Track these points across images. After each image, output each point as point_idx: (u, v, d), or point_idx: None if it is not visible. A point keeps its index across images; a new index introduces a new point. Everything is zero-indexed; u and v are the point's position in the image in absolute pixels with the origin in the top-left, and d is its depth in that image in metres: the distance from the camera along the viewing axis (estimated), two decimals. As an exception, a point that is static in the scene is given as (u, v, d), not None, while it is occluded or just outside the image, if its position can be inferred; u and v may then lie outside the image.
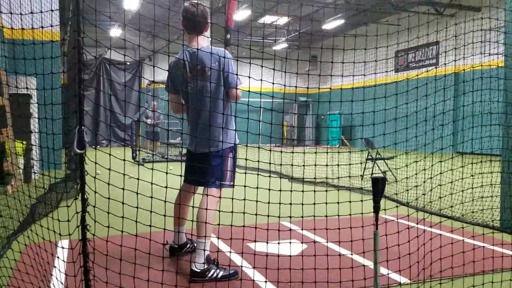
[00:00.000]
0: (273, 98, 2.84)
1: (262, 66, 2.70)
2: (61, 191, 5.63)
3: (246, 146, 2.77)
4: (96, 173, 2.07)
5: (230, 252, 3.61)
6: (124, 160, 2.50)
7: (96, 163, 2.17)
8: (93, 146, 2.29)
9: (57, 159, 7.79)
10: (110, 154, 2.34)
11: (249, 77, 2.90)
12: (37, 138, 7.29)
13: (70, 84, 7.27)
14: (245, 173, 2.48)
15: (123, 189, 2.37)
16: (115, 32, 18.35)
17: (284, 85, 3.08)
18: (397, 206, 3.13)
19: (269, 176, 2.79)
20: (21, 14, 2.63)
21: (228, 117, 3.20)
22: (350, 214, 2.85)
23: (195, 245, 3.25)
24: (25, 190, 4.90)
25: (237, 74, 3.14)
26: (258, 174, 2.54)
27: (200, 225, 3.07)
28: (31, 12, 2.49)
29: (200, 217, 3.08)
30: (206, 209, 3.02)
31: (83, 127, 2.01)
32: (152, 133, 14.77)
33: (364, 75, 2.98)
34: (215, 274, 3.04)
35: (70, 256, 3.43)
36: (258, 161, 2.47)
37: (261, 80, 2.77)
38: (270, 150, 2.92)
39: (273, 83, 2.69)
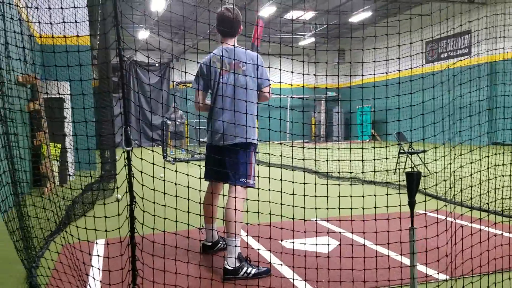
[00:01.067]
0: (303, 94, 2.81)
1: (292, 59, 2.68)
2: (97, 190, 5.77)
3: (280, 143, 2.76)
4: (160, 176, 2.18)
5: (270, 251, 3.61)
6: (175, 159, 2.54)
7: (142, 158, 2.21)
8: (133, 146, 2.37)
9: (91, 161, 7.99)
10: (153, 151, 2.38)
11: (280, 70, 2.89)
12: (72, 140, 7.49)
13: (105, 88, 7.45)
14: (281, 168, 2.47)
15: (163, 192, 2.40)
16: (143, 34, 18.65)
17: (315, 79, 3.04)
18: (425, 201, 3.05)
19: (303, 172, 2.77)
20: (51, 23, 2.71)
21: (254, 117, 3.25)
22: (387, 210, 2.80)
23: (226, 243, 3.27)
24: (60, 191, 5.04)
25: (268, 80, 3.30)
26: (292, 170, 2.53)
27: (229, 224, 3.09)
28: (64, 22, 2.57)
29: (229, 216, 3.11)
30: (235, 209, 3.06)
31: (128, 127, 2.20)
32: (176, 133, 14.89)
33: (383, 70, 2.91)
34: (247, 272, 3.05)
35: (113, 251, 3.51)
36: (292, 157, 2.45)
37: (292, 72, 2.75)
38: (314, 148, 2.90)
39: (302, 74, 2.66)
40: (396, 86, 3.00)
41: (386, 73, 2.98)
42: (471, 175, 3.26)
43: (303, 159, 2.78)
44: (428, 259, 3.06)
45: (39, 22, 2.85)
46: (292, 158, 2.56)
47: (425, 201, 2.92)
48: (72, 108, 2.95)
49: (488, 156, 3.67)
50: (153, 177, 2.45)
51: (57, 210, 3.31)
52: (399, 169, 8.66)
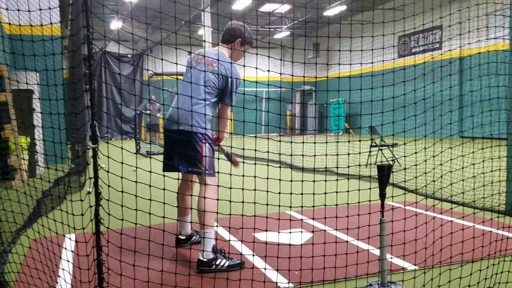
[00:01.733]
0: (281, 88, 2.81)
1: (269, 57, 2.67)
2: (66, 185, 5.65)
3: (255, 136, 2.75)
4: (101, 166, 2.07)
5: (242, 241, 3.62)
6: (136, 153, 2.49)
7: (108, 156, 2.16)
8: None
9: (61, 154, 7.79)
10: (122, 148, 2.33)
11: (256, 68, 2.88)
12: (40, 133, 7.30)
13: (75, 79, 7.27)
14: (255, 164, 2.47)
15: (136, 181, 2.36)
16: (116, 24, 18.28)
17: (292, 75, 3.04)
18: (405, 193, 3.12)
19: (280, 167, 2.78)
20: (29, 11, 2.61)
21: (208, 109, 3.24)
22: (359, 202, 2.83)
23: (200, 236, 3.26)
24: (30, 184, 4.91)
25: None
26: (267, 165, 2.53)
27: (200, 214, 3.10)
28: (40, 9, 2.48)
29: (199, 206, 3.12)
30: (204, 197, 3.04)
31: (95, 122, 2.06)
32: (151, 125, 14.71)
33: (360, 63, 2.94)
34: (221, 264, 3.05)
35: (80, 250, 3.45)
36: (268, 151, 2.45)
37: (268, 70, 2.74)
38: (279, 141, 2.91)
39: (280, 73, 2.66)
40: (370, 79, 3.04)
41: (349, 65, 3.00)
42: (440, 164, 3.34)
43: (279, 154, 2.79)
44: (399, 250, 3.13)
45: (7, 9, 2.75)
46: (268, 152, 2.56)
47: (393, 194, 2.97)
48: (41, 99, 2.86)
49: (465, 150, 3.77)
50: (120, 178, 2.40)
51: (28, 203, 3.23)
52: (370, 164, 8.80)
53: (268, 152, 2.45)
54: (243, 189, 2.53)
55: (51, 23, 2.78)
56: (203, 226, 3.08)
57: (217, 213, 2.91)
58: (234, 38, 3.44)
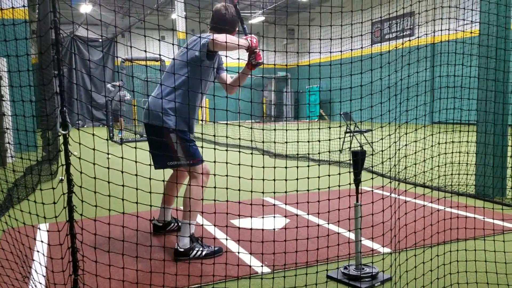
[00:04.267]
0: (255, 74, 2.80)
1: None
2: (38, 173, 5.52)
3: (226, 124, 2.74)
4: (73, 154, 2.03)
5: (214, 225, 3.62)
6: (109, 139, 2.45)
7: (80, 143, 2.12)
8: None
9: (31, 142, 7.61)
10: (93, 134, 2.29)
11: (226, 56, 2.86)
12: (10, 120, 7.08)
13: (43, 65, 7.06)
14: (226, 150, 2.46)
15: (108, 168, 2.33)
16: (86, 8, 17.78)
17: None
18: (372, 178, 3.18)
19: (251, 153, 2.79)
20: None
21: (179, 103, 3.08)
22: (334, 187, 2.87)
23: (180, 224, 3.25)
24: (1, 174, 4.78)
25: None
26: (239, 151, 2.53)
27: (183, 203, 3.07)
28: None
29: (184, 194, 3.10)
30: (189, 185, 3.05)
31: (65, 108, 2.03)
32: (114, 111, 14.33)
33: (340, 51, 2.97)
34: (198, 253, 3.05)
35: (52, 239, 3.39)
36: (240, 138, 2.45)
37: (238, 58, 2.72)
38: (251, 128, 2.90)
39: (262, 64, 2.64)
40: (343, 66, 3.06)
41: (330, 52, 3.02)
42: (415, 153, 3.42)
43: (251, 140, 2.79)
44: (373, 234, 3.20)
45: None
46: (246, 139, 2.56)
47: (372, 178, 3.03)
48: (11, 86, 2.76)
49: (436, 136, 3.86)
50: (94, 165, 2.36)
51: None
52: (348, 148, 8.91)
53: (240, 139, 2.44)
54: (214, 175, 2.53)
55: (24, 6, 2.68)
56: (185, 214, 3.07)
57: (202, 199, 2.87)
58: (227, 29, 3.23)
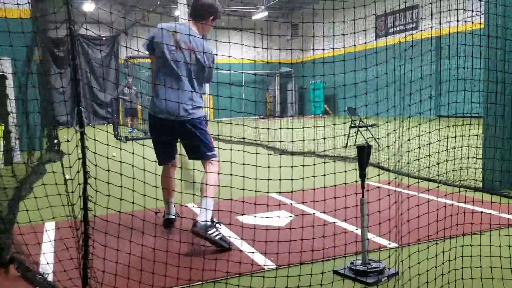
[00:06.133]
0: (261, 70, 2.78)
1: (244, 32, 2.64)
2: (43, 171, 5.55)
3: (231, 123, 2.73)
4: (112, 155, 2.12)
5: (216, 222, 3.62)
6: (127, 138, 2.45)
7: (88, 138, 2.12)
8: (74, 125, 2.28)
9: (37, 141, 7.63)
10: (107, 132, 2.30)
11: (229, 56, 2.85)
12: (15, 119, 7.10)
13: (46, 64, 7.08)
14: (231, 149, 2.45)
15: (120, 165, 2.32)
16: (89, 7, 17.79)
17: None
18: (379, 174, 3.16)
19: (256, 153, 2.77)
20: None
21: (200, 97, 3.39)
22: (338, 184, 2.86)
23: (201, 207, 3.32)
24: (7, 172, 4.81)
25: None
26: (243, 151, 2.52)
27: (202, 187, 3.14)
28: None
29: (203, 180, 3.19)
30: (206, 172, 3.23)
31: (81, 108, 2.15)
32: (130, 109, 14.54)
33: (344, 46, 2.94)
34: (215, 233, 3.05)
35: (60, 236, 3.40)
36: (244, 137, 2.44)
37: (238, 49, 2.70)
38: (256, 128, 2.89)
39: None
40: (349, 61, 3.03)
41: (333, 49, 3.00)
42: (419, 147, 3.39)
43: (253, 140, 2.77)
44: (379, 229, 3.18)
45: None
46: (246, 138, 2.55)
47: (378, 174, 3.01)
48: (21, 87, 2.76)
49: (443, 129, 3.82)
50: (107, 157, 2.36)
51: (7, 190, 3.16)
52: (353, 144, 8.88)
53: (244, 138, 2.43)
54: (218, 173, 2.52)
55: (29, 2, 2.67)
56: (205, 198, 3.11)
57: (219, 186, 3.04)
58: (207, 15, 3.39)
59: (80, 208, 2.13)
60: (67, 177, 2.12)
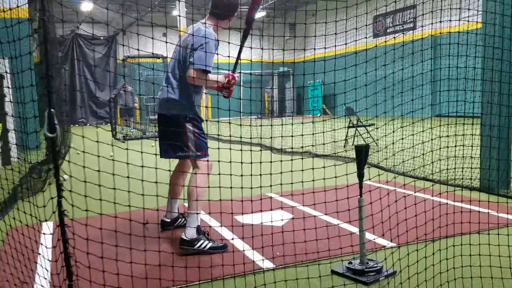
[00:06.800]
0: (259, 69, 2.78)
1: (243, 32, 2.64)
2: (39, 174, 5.53)
3: (229, 122, 2.73)
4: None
5: (220, 225, 3.62)
6: (125, 137, 2.45)
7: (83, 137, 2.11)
8: (71, 125, 2.24)
9: (34, 141, 7.62)
10: (112, 130, 2.29)
11: (227, 55, 2.85)
12: (13, 120, 7.09)
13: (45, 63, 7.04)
14: (230, 148, 2.45)
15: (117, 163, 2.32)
16: (87, 6, 17.75)
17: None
18: (379, 175, 3.16)
19: (260, 150, 2.78)
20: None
21: (190, 94, 3.18)
22: (340, 186, 2.86)
23: (186, 216, 3.27)
24: (3, 173, 4.79)
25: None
26: (241, 150, 2.52)
27: (188, 195, 3.10)
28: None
29: (189, 185, 3.13)
30: (196, 173, 3.13)
31: (52, 110, 1.83)
32: (126, 109, 14.46)
33: (345, 43, 2.95)
34: (203, 245, 3.06)
35: (53, 240, 3.39)
36: (241, 136, 2.44)
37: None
38: (260, 125, 2.89)
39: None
40: (346, 60, 3.05)
41: (326, 48, 2.99)
42: (412, 146, 3.39)
43: (250, 137, 2.78)
44: (377, 229, 3.18)
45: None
46: (248, 137, 2.55)
47: (378, 174, 3.02)
48: (23, 87, 2.72)
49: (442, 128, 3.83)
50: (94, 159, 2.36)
51: (3, 191, 3.15)
52: (353, 141, 8.88)
53: (241, 137, 2.44)
54: (219, 174, 2.52)
55: (29, 1, 2.67)
56: (191, 204, 3.09)
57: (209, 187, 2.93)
58: (229, 14, 3.29)
59: (56, 225, 1.97)
60: (65, 177, 2.08)
